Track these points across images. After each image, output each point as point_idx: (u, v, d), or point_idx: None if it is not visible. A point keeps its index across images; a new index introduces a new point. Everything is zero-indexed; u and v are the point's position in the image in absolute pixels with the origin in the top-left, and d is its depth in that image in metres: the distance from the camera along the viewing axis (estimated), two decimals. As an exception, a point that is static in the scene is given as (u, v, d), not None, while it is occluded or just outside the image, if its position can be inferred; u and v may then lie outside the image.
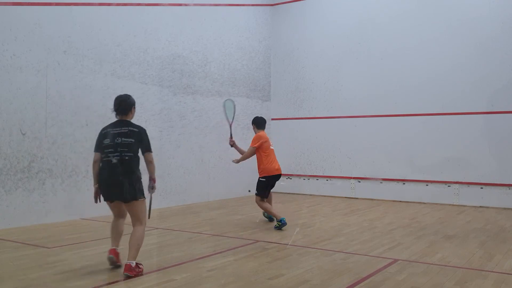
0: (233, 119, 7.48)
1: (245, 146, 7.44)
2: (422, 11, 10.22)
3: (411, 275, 4.41)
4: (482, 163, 9.42)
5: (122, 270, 4.45)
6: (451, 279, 4.30)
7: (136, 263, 4.33)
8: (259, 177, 7.03)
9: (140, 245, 4.43)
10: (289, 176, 11.85)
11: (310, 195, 11.35)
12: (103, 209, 7.60)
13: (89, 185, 7.70)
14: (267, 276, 4.33)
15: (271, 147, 7.12)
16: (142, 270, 4.39)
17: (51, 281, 4.15)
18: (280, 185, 11.93)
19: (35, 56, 7.04)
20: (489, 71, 9.43)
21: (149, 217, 4.69)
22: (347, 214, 8.38)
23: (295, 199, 10.56)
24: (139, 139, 4.50)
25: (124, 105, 4.61)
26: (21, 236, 6.16)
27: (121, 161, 4.38)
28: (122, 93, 4.87)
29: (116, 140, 4.42)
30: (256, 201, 7.02)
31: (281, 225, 6.70)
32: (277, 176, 7.10)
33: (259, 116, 7.47)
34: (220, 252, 5.31)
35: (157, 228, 6.70)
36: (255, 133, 7.19)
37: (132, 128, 4.51)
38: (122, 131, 4.47)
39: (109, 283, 4.09)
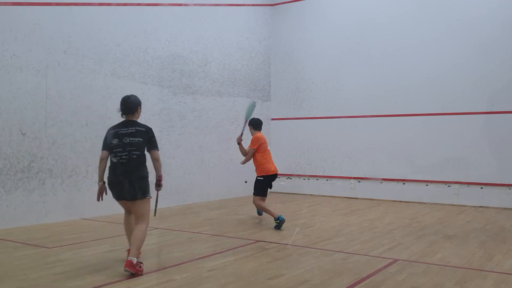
0: (247, 120, 7.44)
1: (245, 144, 7.47)
2: (422, 11, 10.22)
3: (411, 275, 4.41)
4: (482, 163, 9.42)
5: (122, 270, 4.45)
6: (451, 279, 4.30)
7: (137, 262, 4.34)
8: (256, 177, 7.10)
9: (142, 243, 4.51)
10: (289, 176, 11.85)
11: (310, 195, 11.35)
12: (103, 209, 7.67)
13: (89, 185, 7.71)
14: (267, 276, 4.33)
15: (268, 148, 7.27)
16: (142, 270, 4.39)
17: (51, 281, 4.15)
18: (280, 185, 11.97)
19: (35, 56, 7.04)
20: (489, 71, 9.43)
21: (155, 215, 4.90)
22: (347, 214, 8.38)
23: (295, 199, 10.56)
24: (146, 138, 4.64)
25: (130, 105, 4.73)
26: (21, 236, 6.16)
27: (129, 160, 4.53)
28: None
29: (124, 140, 4.56)
30: (254, 201, 7.06)
31: (280, 222, 6.72)
32: (274, 176, 7.15)
33: (256, 117, 7.58)
34: (220, 252, 5.31)
35: (157, 228, 6.70)
36: (252, 134, 7.28)
37: (139, 128, 4.65)
38: (130, 131, 4.60)
39: (109, 283, 4.09)
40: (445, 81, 9.86)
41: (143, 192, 4.57)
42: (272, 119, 12.21)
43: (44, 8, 7.19)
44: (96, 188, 7.74)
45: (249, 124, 7.40)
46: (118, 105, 8.59)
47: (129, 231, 4.86)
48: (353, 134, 10.93)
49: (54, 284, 4.08)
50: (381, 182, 10.54)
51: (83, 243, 5.73)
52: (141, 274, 4.35)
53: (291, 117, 11.93)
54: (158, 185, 4.76)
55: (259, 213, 7.84)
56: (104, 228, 6.88)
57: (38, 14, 7.10)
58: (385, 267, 4.70)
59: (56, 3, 7.33)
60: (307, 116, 11.67)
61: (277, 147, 12.05)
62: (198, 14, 9.99)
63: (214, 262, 4.86)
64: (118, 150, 4.55)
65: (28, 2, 6.99)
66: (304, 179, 11.64)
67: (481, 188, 9.43)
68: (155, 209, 4.91)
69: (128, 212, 4.88)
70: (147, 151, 4.68)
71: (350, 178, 10.94)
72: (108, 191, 4.71)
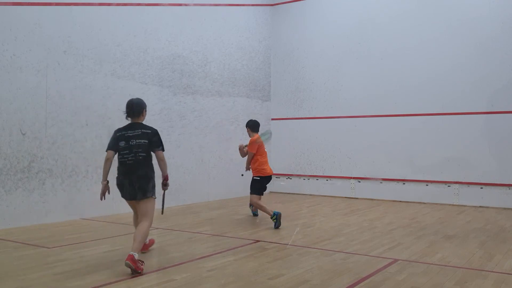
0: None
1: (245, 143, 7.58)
2: (422, 11, 10.22)
3: (411, 275, 4.41)
4: (482, 163, 9.42)
5: (123, 270, 4.46)
6: (451, 279, 4.30)
7: (139, 259, 4.39)
8: (253, 177, 7.31)
9: (144, 239, 4.62)
10: (289, 176, 11.85)
11: (310, 195, 11.35)
12: (103, 209, 7.67)
13: (89, 185, 7.72)
14: (267, 276, 4.33)
15: (266, 150, 7.49)
16: (142, 269, 4.40)
17: (51, 281, 4.15)
18: (280, 185, 11.98)
19: (35, 56, 7.04)
20: (489, 71, 9.43)
21: (162, 213, 5.16)
22: (347, 214, 8.38)
23: (295, 199, 10.56)
24: (152, 140, 4.80)
25: (136, 108, 4.88)
26: (21, 236, 6.16)
27: (135, 161, 4.70)
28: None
29: (130, 142, 4.73)
30: (252, 200, 7.22)
31: (276, 218, 6.80)
32: (270, 178, 7.43)
33: (253, 119, 7.75)
34: (220, 252, 5.31)
35: (157, 228, 6.70)
36: (250, 136, 7.45)
37: (144, 130, 4.81)
38: (136, 133, 4.77)
39: (109, 283, 4.09)
40: (445, 81, 9.86)
41: (143, 192, 4.70)
42: (272, 119, 12.20)
43: (44, 8, 7.19)
44: (95, 187, 7.83)
45: (246, 126, 7.59)
46: (118, 105, 8.65)
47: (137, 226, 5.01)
48: (353, 134, 10.93)
49: (54, 284, 4.09)
50: (381, 182, 10.54)
51: (83, 243, 5.74)
52: (141, 273, 4.35)
53: (291, 117, 11.93)
54: (164, 184, 4.96)
55: (255, 214, 7.97)
56: (104, 228, 6.88)
57: (38, 14, 7.10)
58: (385, 267, 4.70)
59: (56, 3, 7.33)
60: (307, 116, 11.67)
61: (277, 147, 12.05)
62: (198, 14, 10.00)
63: (214, 262, 4.86)
64: (125, 152, 4.72)
65: (28, 2, 6.99)
66: (304, 179, 11.64)
67: (481, 188, 9.43)
68: (162, 208, 5.13)
69: (136, 212, 5.02)
70: (153, 151, 4.83)
71: (350, 178, 10.94)
72: (113, 191, 4.87)
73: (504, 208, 9.09)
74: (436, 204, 9.73)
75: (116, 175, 4.78)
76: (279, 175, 12.00)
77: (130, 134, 4.76)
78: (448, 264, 4.84)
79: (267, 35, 12.11)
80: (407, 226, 7.09)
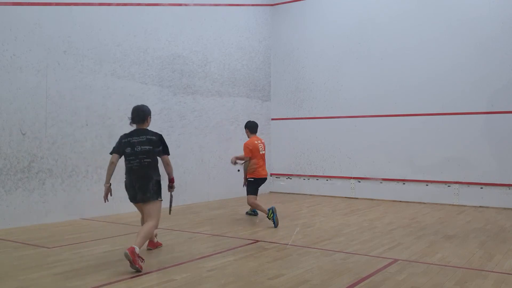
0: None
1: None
2: (422, 11, 10.22)
3: (411, 275, 4.41)
4: (482, 163, 9.42)
5: (122, 270, 4.46)
6: (451, 279, 4.30)
7: (139, 255, 4.44)
8: (248, 178, 7.53)
9: (148, 237, 4.77)
10: (289, 176, 11.85)
11: (310, 195, 11.35)
12: (103, 209, 7.67)
13: (89, 185, 7.72)
14: (267, 276, 4.33)
15: (261, 152, 7.56)
16: (141, 267, 4.42)
17: (51, 281, 4.16)
18: (280, 185, 11.98)
19: (35, 56, 7.04)
20: (489, 71, 9.43)
21: (170, 213, 5.32)
22: (347, 214, 8.38)
23: (295, 199, 10.56)
24: (157, 145, 4.95)
25: (140, 115, 5.03)
26: (21, 236, 6.16)
27: (142, 167, 4.86)
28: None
29: (136, 148, 4.88)
30: (249, 201, 7.46)
31: (273, 212, 6.91)
32: (264, 179, 7.62)
33: (252, 120, 7.95)
34: (220, 252, 5.31)
35: (157, 228, 6.68)
36: (248, 137, 7.68)
37: (149, 136, 4.95)
38: (141, 139, 4.91)
39: (109, 283, 4.09)
40: (445, 81, 9.86)
41: (149, 195, 4.87)
42: (272, 119, 12.21)
43: (44, 8, 7.19)
44: (95, 187, 7.84)
45: (245, 127, 7.79)
46: (118, 105, 8.66)
47: None
48: (353, 134, 10.93)
49: (54, 284, 4.09)
50: (381, 182, 10.54)
51: (83, 243, 5.74)
52: (138, 270, 4.38)
53: (291, 117, 11.93)
54: (171, 187, 5.18)
55: (251, 213, 8.08)
56: (104, 228, 6.88)
57: (38, 14, 7.10)
58: (385, 267, 4.70)
59: (56, 3, 7.33)
60: (307, 116, 11.67)
61: (277, 147, 12.05)
62: (198, 14, 9.99)
63: (214, 262, 4.86)
64: (131, 158, 4.88)
65: (28, 2, 6.99)
66: (304, 179, 11.64)
67: (481, 188, 9.43)
68: (170, 208, 5.30)
69: (143, 215, 5.14)
70: (159, 156, 5.00)
71: (350, 178, 10.94)
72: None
73: (504, 208, 9.09)
74: (436, 204, 9.73)
75: (124, 179, 4.98)
76: (279, 175, 12.00)
77: (135, 140, 4.90)
78: (448, 264, 4.84)
79: (267, 35, 12.10)
80: (407, 226, 7.09)
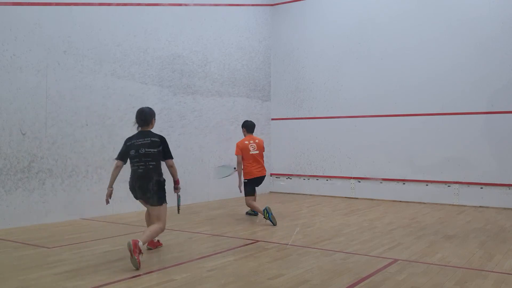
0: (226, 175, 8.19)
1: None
2: (422, 11, 10.22)
3: (411, 275, 4.41)
4: (482, 163, 9.42)
5: (122, 270, 4.46)
6: (451, 279, 4.30)
7: (140, 249, 4.52)
8: (243, 179, 7.67)
9: (153, 236, 4.99)
10: (289, 176, 11.85)
11: (310, 195, 11.35)
12: (103, 209, 7.67)
13: (89, 185, 7.72)
14: (267, 276, 4.33)
15: (252, 152, 7.62)
16: (139, 261, 4.47)
17: (51, 281, 4.16)
18: (280, 185, 11.98)
19: (35, 56, 7.04)
20: (489, 71, 9.43)
21: (178, 212, 5.49)
22: (347, 214, 8.38)
23: (295, 199, 10.56)
24: (160, 148, 5.08)
25: (145, 117, 5.15)
26: (21, 236, 6.16)
27: (146, 169, 4.99)
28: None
29: (140, 150, 5.00)
30: (246, 202, 7.63)
31: (268, 214, 6.99)
32: (259, 178, 7.69)
33: (249, 120, 8.09)
34: (220, 252, 5.31)
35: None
36: (244, 136, 7.82)
37: (153, 138, 5.07)
38: (145, 141, 5.03)
39: (109, 283, 4.09)
40: (445, 81, 9.86)
41: (155, 200, 5.05)
42: (272, 119, 12.21)
43: (44, 8, 7.19)
44: (95, 187, 7.84)
45: (242, 127, 7.91)
46: (118, 105, 8.67)
47: (148, 223, 5.41)
48: (353, 134, 10.92)
49: (54, 284, 4.09)
50: (381, 182, 10.54)
51: (83, 243, 5.74)
52: (136, 266, 4.44)
53: (291, 117, 11.93)
54: (176, 188, 5.33)
55: (251, 213, 8.12)
56: (104, 228, 6.88)
57: (38, 14, 7.10)
58: (385, 267, 4.70)
59: (56, 3, 7.33)
60: (307, 116, 11.67)
61: (277, 147, 12.05)
62: (198, 14, 9.99)
63: (214, 262, 4.86)
64: (135, 160, 5.00)
65: (28, 2, 6.99)
66: (304, 179, 11.64)
67: (481, 188, 9.43)
68: (178, 208, 5.45)
69: (148, 210, 5.33)
70: (162, 159, 5.09)
71: (350, 178, 10.94)
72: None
73: (504, 208, 9.09)
74: (436, 204, 9.73)
75: (129, 180, 5.09)
76: (279, 175, 12.00)
77: (140, 143, 5.01)
78: (448, 264, 4.84)
79: (267, 35, 12.10)
80: (407, 226, 7.09)
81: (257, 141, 7.73)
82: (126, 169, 5.20)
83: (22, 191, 6.84)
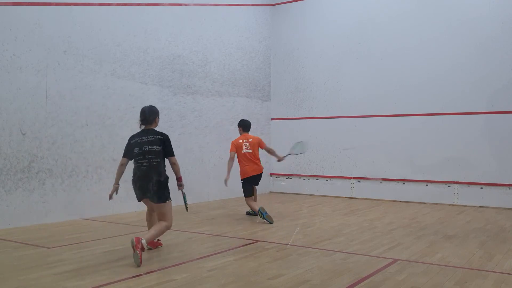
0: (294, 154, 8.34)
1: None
2: (422, 11, 10.22)
3: (411, 275, 4.41)
4: (482, 163, 9.42)
5: (122, 270, 4.46)
6: (451, 279, 4.30)
7: (143, 246, 4.59)
8: (241, 179, 7.75)
9: (158, 234, 5.04)
10: (289, 176, 11.85)
11: (310, 195, 11.35)
12: (103, 209, 7.67)
13: (89, 185, 7.72)
14: (267, 276, 4.33)
15: (244, 151, 7.65)
16: (141, 257, 4.53)
17: (51, 281, 4.16)
18: (280, 185, 11.98)
19: (35, 56, 7.04)
20: (489, 71, 9.43)
21: (187, 210, 5.57)
22: (347, 214, 8.38)
23: (295, 199, 10.56)
24: (164, 145, 5.12)
25: (148, 116, 5.21)
26: (21, 236, 6.16)
27: (150, 167, 5.02)
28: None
29: (144, 148, 5.04)
30: (246, 201, 7.72)
31: (262, 214, 7.11)
32: (255, 177, 7.69)
33: (245, 119, 8.16)
34: (220, 252, 5.31)
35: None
36: (240, 134, 7.87)
37: (156, 136, 5.12)
38: (149, 139, 5.08)
39: (109, 283, 4.09)
40: (445, 81, 9.86)
41: (159, 197, 5.04)
42: (272, 119, 12.21)
43: (44, 8, 7.19)
44: (95, 187, 7.85)
45: (238, 125, 7.98)
46: (118, 105, 8.67)
47: (149, 224, 5.50)
48: (353, 134, 10.92)
49: (54, 284, 4.09)
50: (381, 182, 10.54)
51: (83, 243, 5.74)
52: (138, 265, 4.47)
53: (291, 117, 11.93)
54: (179, 185, 5.35)
55: (251, 213, 8.14)
56: (104, 228, 6.88)
57: (38, 14, 7.10)
58: (385, 267, 4.70)
59: (56, 3, 7.33)
60: (307, 116, 11.67)
61: (277, 147, 11.99)
62: (198, 14, 9.99)
63: (214, 262, 4.86)
64: (139, 158, 5.04)
65: (28, 2, 6.99)
66: (304, 179, 11.64)
67: (481, 188, 9.43)
68: (186, 206, 5.47)
69: (150, 209, 5.39)
70: (165, 157, 5.15)
71: (350, 178, 10.94)
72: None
73: (504, 208, 9.09)
74: (436, 204, 9.73)
75: (132, 178, 5.12)
76: (279, 175, 12.00)
77: (143, 140, 5.06)
78: (448, 264, 4.84)
79: (267, 35, 12.10)
80: (407, 226, 7.09)
81: (250, 140, 7.71)
82: (127, 169, 5.21)
83: (22, 191, 6.84)
